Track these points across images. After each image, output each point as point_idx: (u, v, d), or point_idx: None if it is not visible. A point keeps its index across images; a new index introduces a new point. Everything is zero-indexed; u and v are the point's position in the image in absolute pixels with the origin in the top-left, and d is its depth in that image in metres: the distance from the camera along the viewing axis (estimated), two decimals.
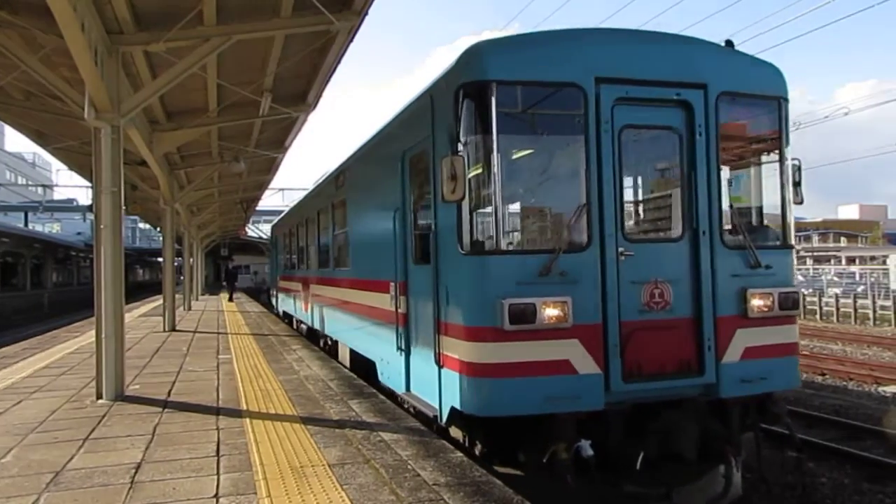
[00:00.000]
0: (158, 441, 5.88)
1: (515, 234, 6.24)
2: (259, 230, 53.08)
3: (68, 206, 61.85)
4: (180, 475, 4.91)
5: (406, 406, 7.36)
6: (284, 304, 20.75)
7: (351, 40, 9.31)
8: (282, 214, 22.79)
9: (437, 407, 6.04)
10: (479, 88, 5.42)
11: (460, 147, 5.42)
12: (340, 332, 11.12)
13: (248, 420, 6.62)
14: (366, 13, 8.43)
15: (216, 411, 7.08)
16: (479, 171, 5.51)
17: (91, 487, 4.68)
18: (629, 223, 6.14)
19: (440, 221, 5.89)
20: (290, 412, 6.96)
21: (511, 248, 5.81)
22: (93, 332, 8.74)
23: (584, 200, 5.50)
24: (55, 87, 8.71)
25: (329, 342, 12.63)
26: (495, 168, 5.38)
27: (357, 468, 4.99)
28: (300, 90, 12.37)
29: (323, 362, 10.65)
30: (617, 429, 5.48)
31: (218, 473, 4.93)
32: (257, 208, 36.10)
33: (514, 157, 6.09)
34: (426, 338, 6.26)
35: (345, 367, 10.16)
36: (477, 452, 5.84)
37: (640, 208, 6.56)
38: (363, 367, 9.16)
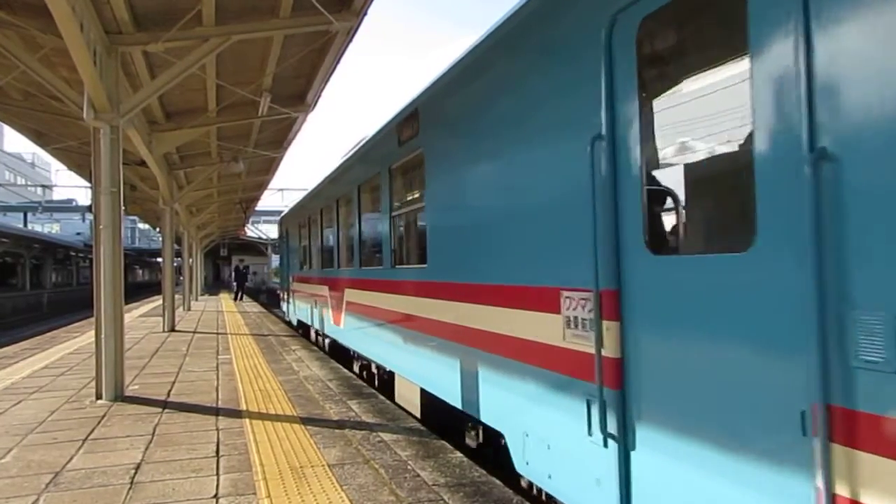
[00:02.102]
0: (158, 441, 5.87)
1: None
2: (258, 230, 53.22)
3: (67, 207, 61.93)
4: (180, 475, 4.91)
5: None
6: (301, 311, 16.56)
7: (350, 40, 9.32)
8: (295, 203, 18.29)
9: None
10: None
11: None
12: (404, 361, 7.30)
13: (247, 420, 6.62)
14: (365, 13, 8.45)
15: (216, 412, 7.08)
16: None
17: (91, 488, 4.68)
18: None
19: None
20: (290, 412, 6.96)
21: None
22: (92, 333, 8.74)
23: None
24: (54, 88, 8.71)
25: (378, 371, 9.21)
26: None
27: (357, 468, 4.99)
28: (299, 90, 12.39)
29: (322, 363, 10.65)
30: None
31: (217, 474, 4.93)
32: (257, 208, 36.19)
33: None
34: (729, 436, 2.78)
35: (413, 416, 6.93)
36: None
37: None
38: (450, 421, 6.24)
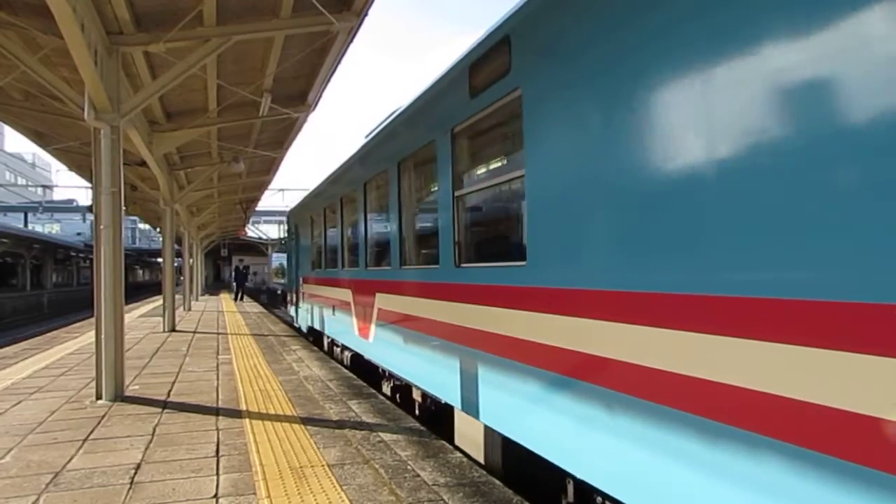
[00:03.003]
0: (158, 441, 5.87)
1: None
2: (259, 230, 53.33)
3: (68, 207, 62.03)
4: (180, 476, 4.91)
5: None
6: (313, 318, 14.39)
7: (351, 41, 9.34)
8: (307, 194, 15.78)
9: None
10: None
11: None
12: (476, 397, 5.26)
13: (247, 420, 6.62)
14: (366, 14, 8.46)
15: (216, 412, 7.08)
16: None
17: (91, 488, 4.68)
18: None
19: None
20: (290, 412, 6.96)
21: None
22: (92, 333, 8.74)
23: None
24: (55, 88, 8.72)
25: (423, 399, 7.27)
26: None
27: (356, 468, 4.99)
28: (300, 91, 12.40)
29: (322, 363, 10.65)
30: None
31: (217, 474, 4.93)
32: (257, 209, 36.23)
33: None
34: None
35: (488, 469, 5.17)
36: None
37: None
38: (539, 474, 4.70)
